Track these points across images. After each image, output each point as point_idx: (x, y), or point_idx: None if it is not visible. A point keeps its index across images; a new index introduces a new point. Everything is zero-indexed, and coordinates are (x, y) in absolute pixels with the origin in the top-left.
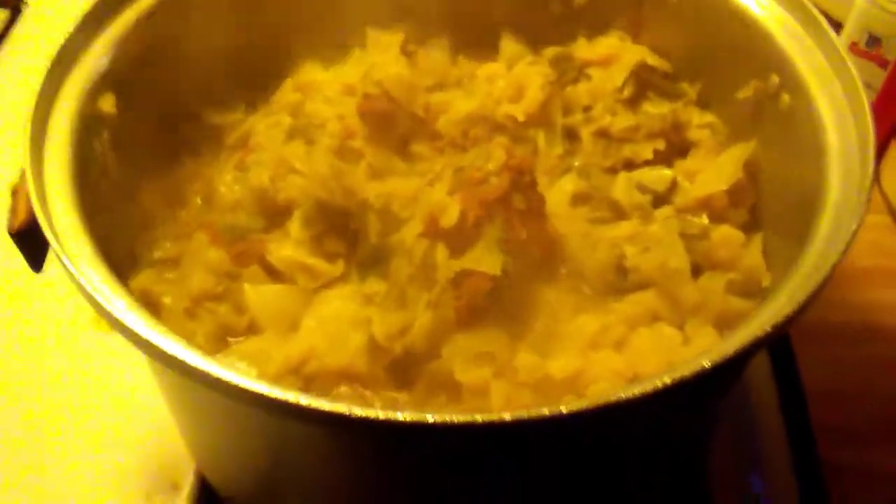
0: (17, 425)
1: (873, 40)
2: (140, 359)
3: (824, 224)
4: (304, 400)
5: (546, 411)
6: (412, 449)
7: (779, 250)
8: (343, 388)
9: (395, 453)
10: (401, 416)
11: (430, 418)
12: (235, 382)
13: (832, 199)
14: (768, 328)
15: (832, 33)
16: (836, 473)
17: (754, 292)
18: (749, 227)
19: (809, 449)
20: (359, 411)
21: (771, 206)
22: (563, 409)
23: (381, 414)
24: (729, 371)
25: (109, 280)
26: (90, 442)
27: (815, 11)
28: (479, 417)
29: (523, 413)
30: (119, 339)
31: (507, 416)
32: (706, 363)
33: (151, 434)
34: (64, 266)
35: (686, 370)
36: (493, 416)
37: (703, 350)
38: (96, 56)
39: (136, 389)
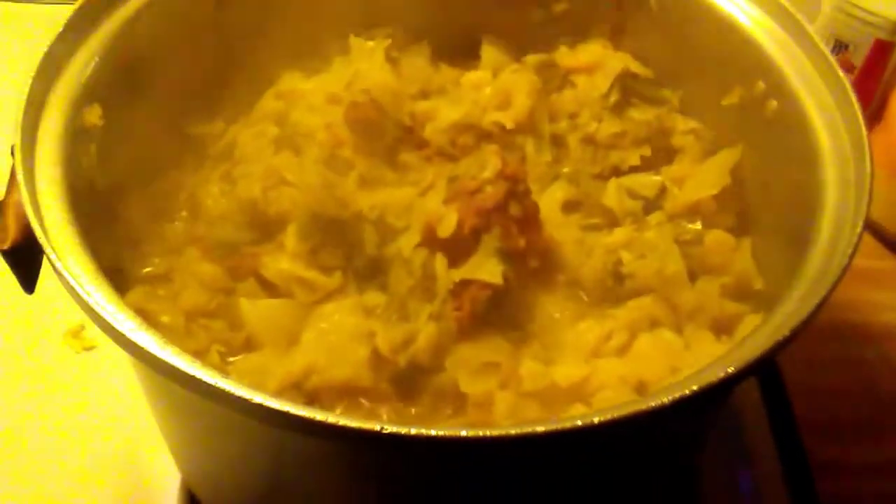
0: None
1: (840, 46)
2: (115, 376)
3: (825, 226)
4: (319, 415)
5: (579, 422)
6: (420, 463)
7: (769, 253)
8: (347, 403)
9: (403, 468)
10: (413, 430)
11: (437, 432)
12: (247, 397)
13: (831, 200)
14: (787, 332)
15: (817, 38)
16: (823, 469)
17: (747, 295)
18: (737, 231)
19: (796, 445)
20: (380, 426)
21: (759, 209)
22: (596, 420)
23: (405, 429)
24: (748, 375)
25: (114, 298)
26: (69, 462)
27: (800, 17)
28: (487, 432)
29: (554, 425)
30: (92, 358)
31: (541, 428)
32: (731, 369)
33: (135, 451)
34: (67, 285)
35: (713, 376)
36: (515, 430)
37: (707, 357)
38: (80, 65)
39: (113, 408)
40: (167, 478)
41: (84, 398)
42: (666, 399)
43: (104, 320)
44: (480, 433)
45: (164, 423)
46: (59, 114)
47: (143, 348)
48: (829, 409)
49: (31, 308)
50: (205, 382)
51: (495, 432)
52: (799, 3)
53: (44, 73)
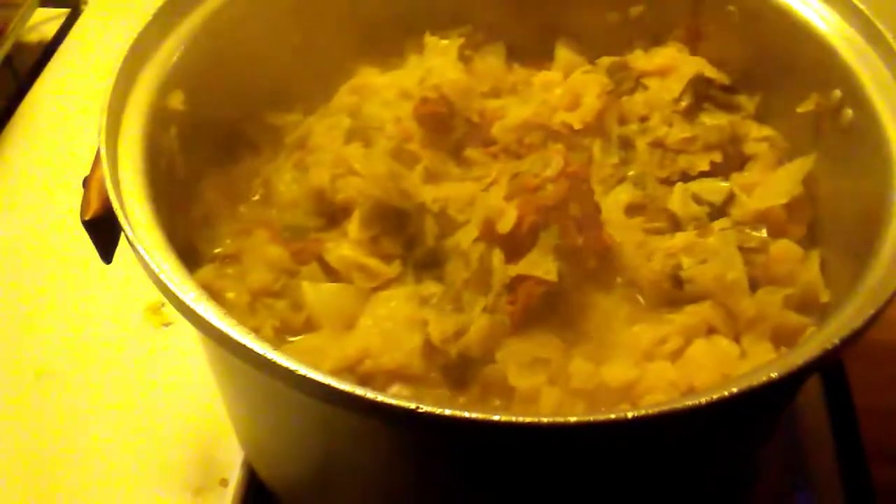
0: (68, 416)
1: None
2: (190, 353)
3: (889, 240)
4: (370, 394)
5: (613, 415)
6: (472, 447)
7: (837, 266)
8: (398, 387)
9: (454, 451)
10: (468, 414)
11: (495, 417)
12: (304, 373)
13: None
14: (836, 341)
15: None
16: (887, 494)
17: (812, 308)
18: (807, 243)
19: (860, 468)
20: (416, 405)
21: (830, 221)
22: (629, 415)
23: (448, 411)
24: (793, 384)
25: (181, 271)
26: (139, 435)
27: (881, 26)
28: (545, 419)
29: (603, 416)
30: (168, 335)
31: (573, 419)
32: (773, 374)
33: (200, 428)
34: (139, 255)
35: (753, 380)
36: (566, 419)
37: (763, 364)
38: (167, 53)
39: (185, 385)
40: (232, 454)
41: (160, 372)
42: (703, 400)
43: (169, 290)
44: (512, 419)
45: (228, 399)
46: (144, 97)
47: (202, 317)
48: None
49: (114, 283)
50: (253, 351)
51: (523, 419)
52: (880, 10)
53: (132, 59)
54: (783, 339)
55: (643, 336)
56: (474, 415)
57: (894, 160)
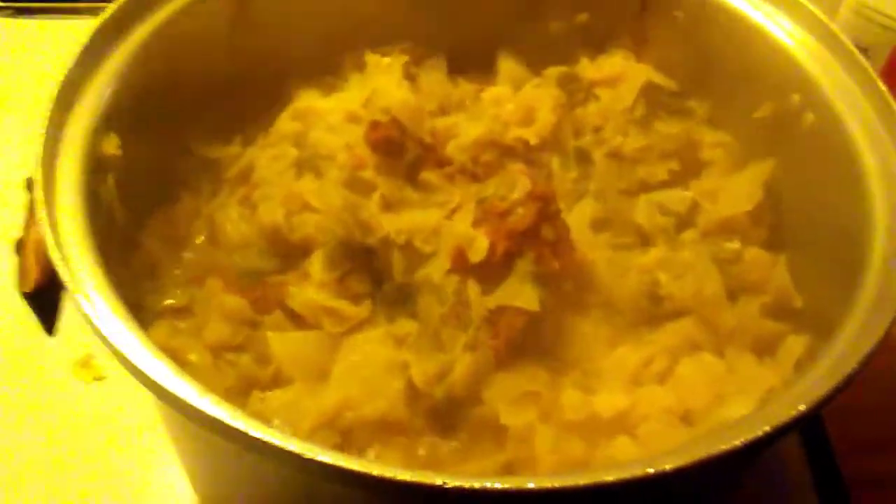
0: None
1: (860, 50)
2: (131, 406)
3: (877, 249)
4: (350, 463)
5: (651, 469)
6: None
7: (806, 271)
8: (382, 440)
9: None
10: (499, 485)
11: (491, 485)
12: (277, 444)
13: (881, 222)
14: (856, 365)
15: (857, 52)
16: (856, 484)
17: (787, 314)
18: (769, 247)
19: (828, 462)
20: (453, 482)
21: (797, 225)
22: (668, 467)
23: (477, 484)
24: (818, 411)
25: (145, 341)
26: (81, 490)
27: (836, 29)
28: (552, 483)
29: (627, 474)
30: (101, 390)
31: (583, 482)
32: (802, 407)
33: (149, 478)
34: (95, 329)
35: (781, 417)
36: (564, 482)
37: (750, 382)
38: (97, 92)
39: (129, 436)
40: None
41: (96, 428)
42: (738, 442)
43: (138, 369)
44: (504, 486)
45: (185, 456)
46: (77, 145)
47: (183, 400)
48: (861, 422)
49: (38, 339)
50: (228, 426)
51: (515, 486)
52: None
53: (62, 102)
54: (763, 348)
55: (628, 359)
56: (458, 483)
57: (863, 165)
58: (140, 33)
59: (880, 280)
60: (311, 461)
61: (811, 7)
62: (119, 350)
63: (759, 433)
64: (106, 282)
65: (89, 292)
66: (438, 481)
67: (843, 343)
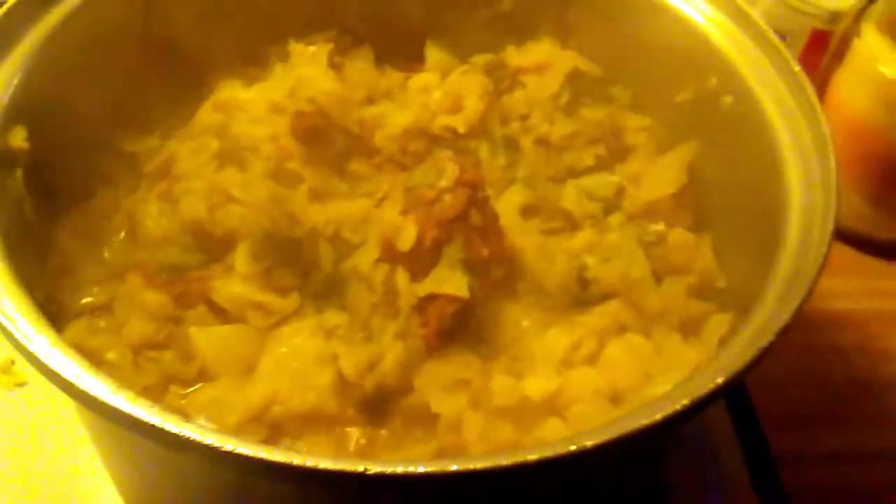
0: None
1: (779, 37)
2: (55, 411)
3: (792, 227)
4: (271, 454)
5: (568, 447)
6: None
7: (729, 251)
8: (313, 432)
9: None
10: (422, 469)
11: (413, 469)
12: (197, 440)
13: (796, 199)
14: (772, 337)
15: (770, 33)
16: (783, 458)
17: (711, 294)
18: (694, 228)
19: (757, 437)
20: (374, 468)
21: (719, 206)
22: (589, 443)
23: (400, 468)
24: (738, 383)
25: (55, 340)
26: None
27: (750, 11)
28: (476, 465)
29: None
30: (22, 397)
31: (506, 461)
32: (720, 380)
33: (74, 485)
34: (4, 329)
35: (701, 390)
36: (488, 462)
37: (678, 361)
38: (2, 84)
39: (52, 442)
40: None
41: (18, 436)
42: (658, 416)
43: (48, 368)
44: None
45: (109, 460)
46: None
47: (94, 397)
48: (786, 398)
49: None
50: (169, 433)
51: (432, 468)
52: None
53: None
54: (690, 328)
55: (557, 342)
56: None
57: (780, 145)
58: (49, 21)
59: (795, 256)
60: (228, 454)
61: None
62: (27, 349)
63: (678, 407)
64: (12, 279)
65: None
66: (360, 468)
67: (759, 319)
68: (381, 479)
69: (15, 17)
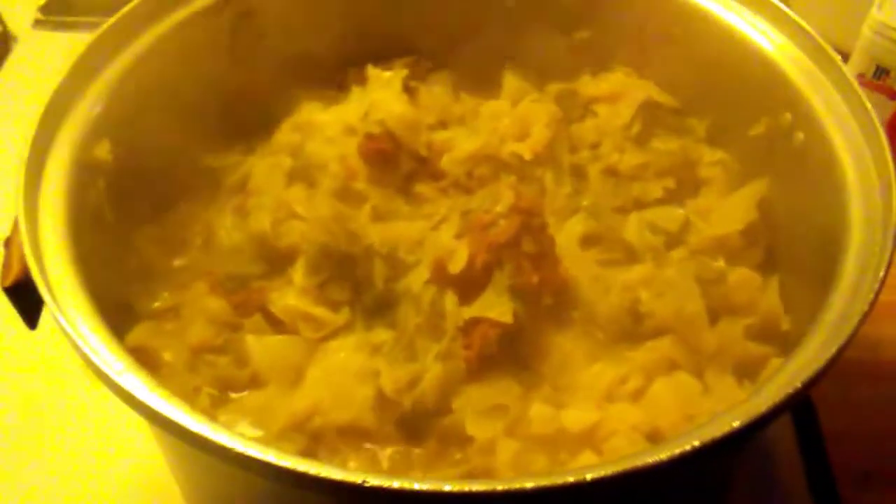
0: (11, 485)
1: (881, 71)
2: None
3: (849, 267)
4: (312, 468)
5: (570, 478)
6: None
7: (797, 291)
8: (350, 445)
9: None
10: (417, 486)
11: (446, 487)
12: (235, 448)
13: (856, 239)
14: (799, 385)
15: (845, 69)
16: None
17: (773, 337)
18: (764, 268)
19: (831, 494)
20: (373, 480)
21: (788, 245)
22: (588, 476)
23: (396, 483)
24: (757, 429)
25: (108, 339)
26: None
27: (828, 47)
28: (499, 486)
29: (544, 480)
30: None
31: (529, 484)
32: (735, 423)
33: (149, 495)
34: (60, 325)
35: (715, 431)
36: (514, 484)
37: (726, 404)
38: (90, 102)
39: (134, 446)
40: None
41: (99, 431)
42: (664, 455)
43: (92, 361)
44: (464, 488)
45: (172, 467)
46: (67, 150)
47: (129, 393)
48: (864, 453)
49: (44, 341)
50: (189, 430)
51: (480, 487)
52: (838, 30)
53: (52, 111)
54: (745, 371)
55: (603, 376)
56: (421, 486)
57: (847, 184)
58: (139, 45)
59: (847, 299)
60: (231, 451)
61: (802, 23)
62: (76, 343)
63: (687, 448)
64: (79, 282)
65: (60, 292)
66: (358, 480)
67: (796, 363)
68: (378, 492)
69: (105, 43)
